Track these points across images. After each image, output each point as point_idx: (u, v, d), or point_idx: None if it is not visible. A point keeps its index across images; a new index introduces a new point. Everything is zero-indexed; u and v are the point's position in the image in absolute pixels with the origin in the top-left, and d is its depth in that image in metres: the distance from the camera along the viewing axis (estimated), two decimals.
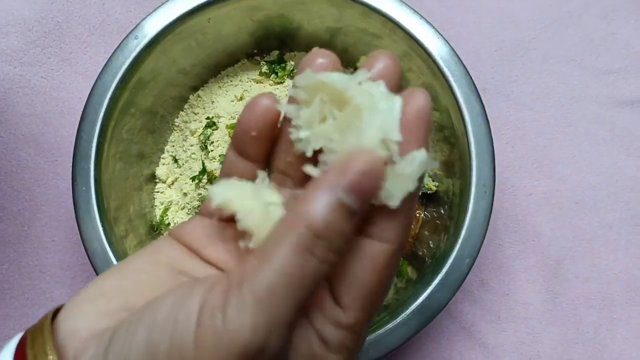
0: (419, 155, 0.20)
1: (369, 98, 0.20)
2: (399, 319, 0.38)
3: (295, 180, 0.25)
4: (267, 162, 0.25)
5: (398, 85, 0.22)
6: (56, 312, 0.22)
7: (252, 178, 0.24)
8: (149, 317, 0.19)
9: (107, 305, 0.21)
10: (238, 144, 0.24)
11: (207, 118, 0.47)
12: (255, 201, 0.22)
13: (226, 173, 0.25)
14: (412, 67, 0.45)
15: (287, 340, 0.19)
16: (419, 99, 0.21)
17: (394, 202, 0.20)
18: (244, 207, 0.21)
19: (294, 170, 0.24)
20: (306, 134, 0.22)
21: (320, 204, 0.18)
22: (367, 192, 0.19)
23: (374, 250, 0.21)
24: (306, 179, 0.22)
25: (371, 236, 0.21)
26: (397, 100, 0.20)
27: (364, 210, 0.19)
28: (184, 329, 0.18)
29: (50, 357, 0.19)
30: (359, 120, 0.20)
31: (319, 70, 0.22)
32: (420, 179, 0.20)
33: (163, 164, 0.48)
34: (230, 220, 0.24)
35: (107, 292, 0.21)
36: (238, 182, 0.23)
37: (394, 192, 0.20)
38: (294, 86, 0.22)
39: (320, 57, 0.23)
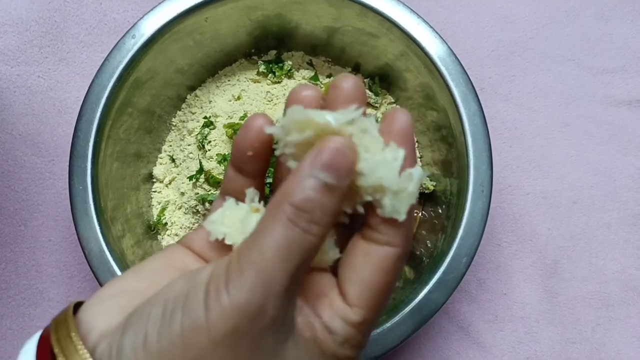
0: (416, 172, 0.22)
1: (365, 139, 0.22)
2: (396, 318, 0.38)
3: None
4: (264, 176, 0.27)
5: None
6: (75, 306, 0.23)
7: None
8: (162, 296, 0.21)
9: (127, 303, 0.22)
10: (236, 162, 0.26)
11: (205, 117, 0.47)
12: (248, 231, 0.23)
13: (226, 188, 0.27)
14: (410, 67, 0.45)
15: (286, 310, 0.21)
16: (402, 119, 0.23)
17: (401, 216, 0.22)
18: (238, 240, 0.25)
19: None
20: (294, 165, 0.24)
21: (300, 182, 0.21)
22: (341, 168, 0.21)
23: (383, 254, 0.23)
24: None
25: (379, 242, 0.23)
26: (400, 153, 0.22)
27: (343, 186, 0.21)
28: (194, 299, 0.20)
29: (75, 339, 0.21)
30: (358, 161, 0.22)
31: (306, 104, 0.24)
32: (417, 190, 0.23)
33: (160, 164, 0.48)
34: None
35: (126, 291, 0.23)
36: (232, 209, 0.25)
37: (400, 208, 0.22)
38: (283, 116, 0.23)
39: (305, 91, 0.25)
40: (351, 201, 0.23)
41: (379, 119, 0.48)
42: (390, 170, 0.22)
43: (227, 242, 0.25)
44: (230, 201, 0.26)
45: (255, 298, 0.20)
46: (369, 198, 0.23)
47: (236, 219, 0.25)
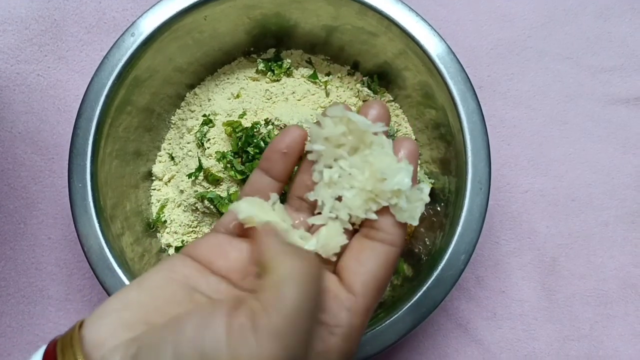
0: (424, 186, 0.28)
1: (382, 153, 0.27)
2: (395, 316, 0.38)
3: (311, 207, 0.29)
4: (287, 181, 0.30)
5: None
6: (82, 323, 0.24)
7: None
8: (173, 337, 0.21)
9: (129, 318, 0.23)
10: (266, 163, 0.29)
11: (204, 115, 0.47)
12: (274, 216, 0.26)
13: (249, 191, 0.29)
14: (409, 65, 0.45)
15: (308, 345, 0.23)
16: (411, 145, 0.28)
17: (415, 222, 0.27)
18: (265, 221, 0.27)
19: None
20: (321, 167, 0.28)
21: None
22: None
23: (387, 251, 0.26)
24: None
25: (385, 241, 0.26)
26: (411, 167, 0.28)
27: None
28: (214, 346, 0.21)
29: None
30: (375, 168, 0.27)
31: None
32: None
33: (160, 162, 0.48)
34: (242, 234, 0.28)
35: (128, 306, 0.24)
36: (259, 200, 0.28)
37: (414, 214, 0.27)
38: (323, 115, 0.28)
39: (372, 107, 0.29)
40: (365, 207, 0.27)
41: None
42: (407, 178, 0.26)
43: (253, 223, 0.27)
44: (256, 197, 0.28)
45: (288, 354, 0.21)
46: (385, 203, 0.27)
47: (263, 206, 0.28)
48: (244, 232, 0.28)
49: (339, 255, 0.28)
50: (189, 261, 0.26)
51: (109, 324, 0.23)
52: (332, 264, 0.28)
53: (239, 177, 0.43)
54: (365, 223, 0.28)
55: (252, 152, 0.43)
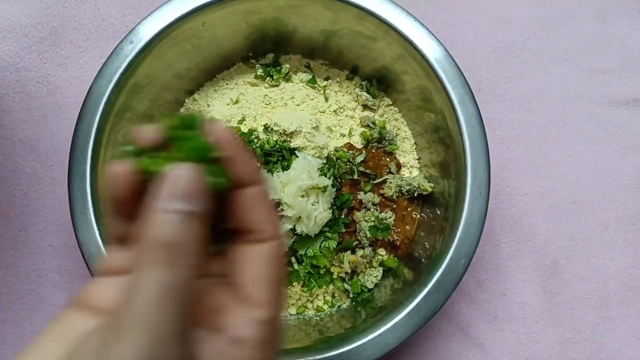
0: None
1: None
2: (395, 320, 0.38)
3: None
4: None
5: None
6: None
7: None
8: None
9: None
10: (118, 211, 0.25)
11: None
12: None
13: (116, 236, 0.26)
14: (407, 69, 0.45)
15: (183, 350, 0.21)
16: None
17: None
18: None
19: None
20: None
21: (163, 219, 0.21)
22: (198, 193, 0.22)
23: (273, 248, 0.25)
24: None
25: (265, 240, 0.25)
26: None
27: (203, 211, 0.22)
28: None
29: None
30: None
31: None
32: None
33: None
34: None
35: None
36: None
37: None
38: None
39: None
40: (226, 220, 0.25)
41: (377, 122, 0.48)
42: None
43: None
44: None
45: (145, 353, 0.19)
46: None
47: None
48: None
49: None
50: (84, 312, 0.24)
51: None
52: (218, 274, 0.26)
53: None
54: (237, 230, 0.26)
55: None
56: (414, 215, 0.48)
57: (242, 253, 0.25)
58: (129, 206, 0.25)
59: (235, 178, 0.24)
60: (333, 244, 0.44)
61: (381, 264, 0.47)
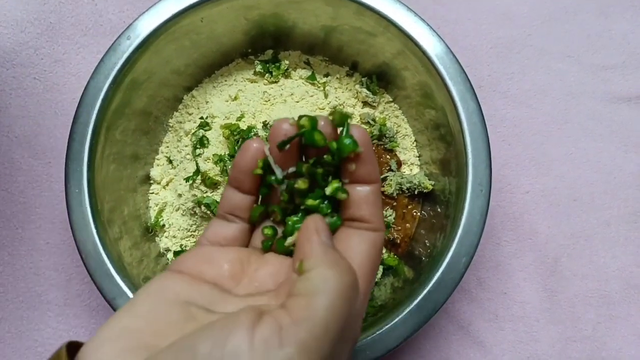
0: None
1: None
2: (396, 319, 0.38)
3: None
4: (258, 192, 0.29)
5: None
6: (69, 347, 0.23)
7: (250, 208, 0.29)
8: (187, 356, 0.20)
9: (127, 345, 0.22)
10: (236, 181, 0.29)
11: (201, 118, 0.46)
12: None
13: (226, 208, 0.29)
14: (407, 66, 0.45)
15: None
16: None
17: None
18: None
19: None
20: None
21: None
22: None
23: (375, 236, 0.27)
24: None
25: (368, 229, 0.27)
26: None
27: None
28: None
29: None
30: None
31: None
32: None
33: (157, 165, 0.48)
34: (229, 244, 0.29)
35: (124, 332, 0.23)
36: None
37: None
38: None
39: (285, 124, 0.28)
40: None
41: (377, 119, 0.48)
42: None
43: None
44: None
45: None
46: None
47: None
48: (231, 242, 0.29)
49: None
50: (177, 276, 0.26)
51: (107, 353, 0.21)
52: None
53: None
54: (346, 217, 0.28)
55: None
56: (415, 213, 0.47)
57: (348, 235, 0.27)
58: (248, 179, 0.28)
59: (359, 176, 0.27)
60: None
61: (381, 262, 0.46)
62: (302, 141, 0.28)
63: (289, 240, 0.28)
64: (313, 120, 0.27)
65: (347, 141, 0.27)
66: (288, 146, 0.27)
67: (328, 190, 0.28)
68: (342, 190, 0.27)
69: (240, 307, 0.23)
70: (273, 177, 0.28)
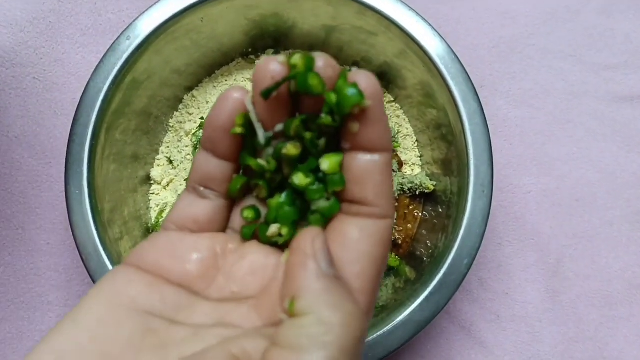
0: None
1: None
2: (397, 321, 0.38)
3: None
4: (237, 159, 0.23)
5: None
6: None
7: (228, 178, 0.23)
8: None
9: None
10: (210, 142, 0.22)
11: (202, 118, 0.46)
12: None
13: (197, 177, 0.23)
14: (408, 65, 0.44)
15: None
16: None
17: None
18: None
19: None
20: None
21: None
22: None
23: (381, 226, 0.21)
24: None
25: (375, 216, 0.21)
26: None
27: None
28: None
29: None
30: None
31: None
32: None
33: (158, 165, 0.48)
34: (201, 229, 0.23)
35: (62, 354, 0.18)
36: None
37: None
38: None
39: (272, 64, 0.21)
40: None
41: None
42: None
43: None
44: None
45: None
46: None
47: None
48: (204, 225, 0.23)
49: None
50: (135, 274, 0.21)
51: None
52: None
53: None
54: (342, 197, 0.21)
55: None
56: (416, 214, 0.47)
57: (345, 225, 0.21)
58: (224, 140, 0.22)
59: (364, 140, 0.20)
60: None
61: None
62: (292, 88, 0.21)
63: (272, 229, 0.22)
64: (309, 59, 0.20)
65: (350, 91, 0.20)
66: (275, 93, 0.21)
67: (325, 166, 0.21)
68: (339, 179, 0.21)
69: (211, 319, 0.20)
70: (255, 139, 0.22)
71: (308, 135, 0.21)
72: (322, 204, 0.22)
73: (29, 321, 0.47)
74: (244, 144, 0.22)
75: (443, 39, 0.41)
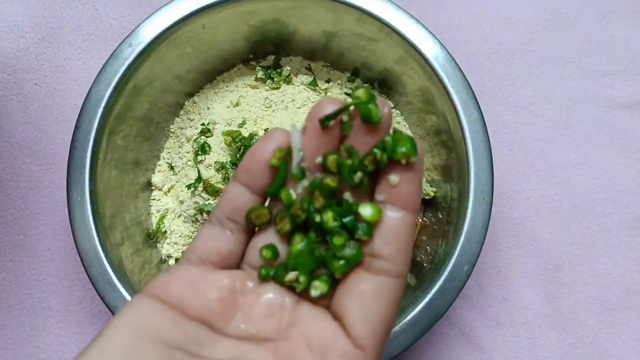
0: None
1: None
2: (397, 328, 0.38)
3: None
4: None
5: None
6: None
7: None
8: None
9: None
10: (248, 175, 0.23)
11: (203, 124, 0.46)
12: None
13: (229, 210, 0.23)
14: (408, 72, 0.45)
15: None
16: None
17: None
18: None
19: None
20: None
21: None
22: None
23: (394, 286, 0.21)
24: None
25: (391, 274, 0.21)
26: None
27: None
28: None
29: None
30: None
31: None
32: None
33: (159, 171, 0.48)
34: (223, 264, 0.23)
35: None
36: None
37: None
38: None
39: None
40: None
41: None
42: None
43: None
44: None
45: None
46: None
47: None
48: (226, 259, 0.23)
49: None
50: (158, 306, 0.21)
51: None
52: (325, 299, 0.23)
53: None
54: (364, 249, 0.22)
55: None
56: (416, 220, 0.47)
57: (360, 279, 0.21)
58: (264, 174, 0.22)
59: (401, 195, 0.21)
60: None
61: None
62: (348, 119, 0.22)
63: (290, 276, 0.22)
64: (370, 93, 0.21)
65: (406, 140, 0.21)
66: (333, 122, 0.21)
67: (366, 212, 0.21)
68: (369, 229, 0.21)
69: (231, 356, 0.20)
70: (290, 169, 0.22)
71: (349, 163, 0.21)
72: (348, 252, 0.22)
73: (30, 327, 0.47)
74: (277, 176, 0.23)
75: (443, 45, 0.41)
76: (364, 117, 0.21)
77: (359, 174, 0.22)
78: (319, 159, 0.22)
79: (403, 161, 0.21)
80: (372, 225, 0.21)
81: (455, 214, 0.41)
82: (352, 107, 0.21)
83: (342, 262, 0.22)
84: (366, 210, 0.21)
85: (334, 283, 0.22)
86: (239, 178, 0.23)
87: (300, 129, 0.22)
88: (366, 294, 0.21)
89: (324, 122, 0.21)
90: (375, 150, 0.21)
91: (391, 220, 0.21)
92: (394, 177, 0.21)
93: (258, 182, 0.22)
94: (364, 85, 0.21)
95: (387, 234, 0.21)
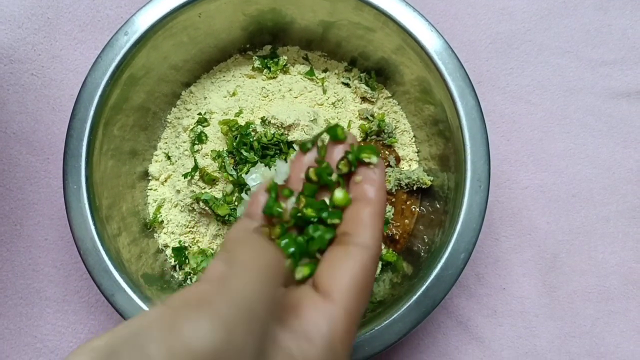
0: None
1: None
2: (395, 315, 0.38)
3: None
4: None
5: None
6: None
7: None
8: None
9: None
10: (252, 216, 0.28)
11: (199, 114, 0.46)
12: None
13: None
14: (406, 61, 0.44)
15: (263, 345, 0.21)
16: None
17: None
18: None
19: None
20: None
21: None
22: None
23: (362, 254, 0.25)
24: None
25: (357, 244, 0.26)
26: None
27: None
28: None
29: None
30: None
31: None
32: None
33: (156, 161, 0.48)
34: None
35: None
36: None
37: None
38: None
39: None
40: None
41: (376, 115, 0.48)
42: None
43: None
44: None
45: (232, 333, 0.19)
46: None
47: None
48: None
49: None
50: None
51: None
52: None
53: (231, 178, 0.43)
54: (338, 231, 0.27)
55: (245, 154, 0.43)
56: (413, 209, 0.47)
57: (332, 252, 0.26)
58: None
59: (364, 192, 0.27)
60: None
61: (380, 258, 0.46)
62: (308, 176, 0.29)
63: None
64: (337, 124, 0.29)
65: (367, 148, 0.28)
66: (311, 147, 0.29)
67: (338, 195, 0.28)
68: (339, 214, 0.27)
69: None
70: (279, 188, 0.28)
71: (328, 173, 0.28)
72: (319, 232, 0.27)
73: (27, 316, 0.47)
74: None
75: (440, 34, 0.41)
76: (333, 137, 0.29)
77: (334, 175, 0.28)
78: (302, 175, 0.29)
79: (367, 160, 0.28)
80: (341, 209, 0.28)
81: (452, 203, 0.41)
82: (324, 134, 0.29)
83: (316, 235, 0.27)
84: (339, 194, 0.28)
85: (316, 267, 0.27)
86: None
87: (287, 163, 0.30)
88: (334, 258, 0.26)
89: (304, 148, 0.29)
90: (348, 156, 0.28)
91: (356, 205, 0.27)
92: (357, 177, 0.28)
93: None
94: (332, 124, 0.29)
95: (352, 215, 0.27)
